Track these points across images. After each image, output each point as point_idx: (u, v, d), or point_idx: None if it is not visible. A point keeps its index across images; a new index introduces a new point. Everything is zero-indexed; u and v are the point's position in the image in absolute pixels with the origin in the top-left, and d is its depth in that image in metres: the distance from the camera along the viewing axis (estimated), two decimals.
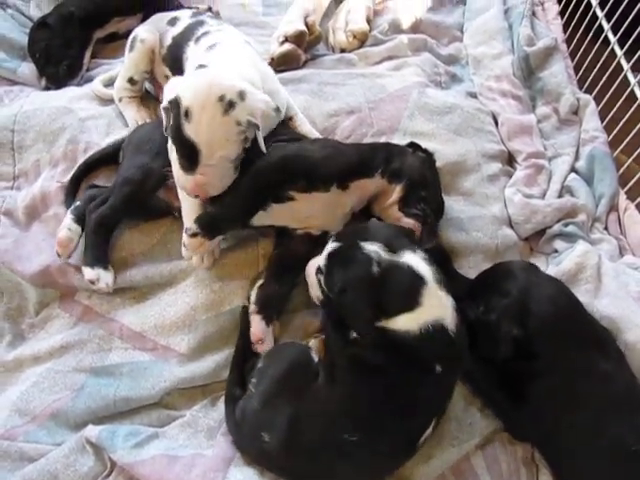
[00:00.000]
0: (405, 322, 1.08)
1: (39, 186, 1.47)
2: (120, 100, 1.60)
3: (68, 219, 1.35)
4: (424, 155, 1.44)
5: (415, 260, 1.11)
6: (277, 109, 1.31)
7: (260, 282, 1.32)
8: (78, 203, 1.38)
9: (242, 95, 1.21)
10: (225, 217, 1.28)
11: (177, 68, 1.48)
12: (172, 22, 1.57)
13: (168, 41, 1.54)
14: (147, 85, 1.68)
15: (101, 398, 1.24)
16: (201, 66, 1.28)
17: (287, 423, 1.05)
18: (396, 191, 1.37)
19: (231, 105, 1.19)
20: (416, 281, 1.09)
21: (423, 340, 1.07)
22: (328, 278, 1.15)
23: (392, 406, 1.07)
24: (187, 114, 1.18)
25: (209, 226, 1.26)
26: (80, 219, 1.35)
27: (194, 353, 1.28)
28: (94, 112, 1.60)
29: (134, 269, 1.38)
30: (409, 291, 1.09)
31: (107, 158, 1.48)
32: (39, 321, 1.38)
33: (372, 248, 1.11)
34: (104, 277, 1.32)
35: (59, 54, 1.73)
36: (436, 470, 1.18)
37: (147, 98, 1.67)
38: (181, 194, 1.32)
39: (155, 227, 1.42)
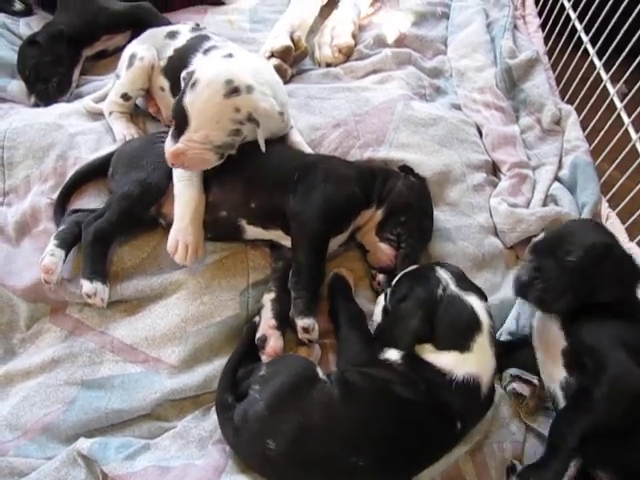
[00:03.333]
0: (450, 362, 1.10)
1: (29, 202, 1.48)
2: (110, 114, 1.62)
3: (51, 245, 1.33)
4: (415, 180, 1.45)
5: (479, 305, 1.15)
6: (281, 113, 1.36)
7: (272, 296, 1.33)
8: (62, 227, 1.37)
9: (249, 89, 1.27)
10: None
11: (178, 78, 1.50)
12: (172, 35, 1.61)
13: (169, 53, 1.58)
14: (139, 101, 1.70)
15: (93, 411, 1.24)
16: (228, 55, 1.36)
17: (296, 433, 1.05)
18: (377, 215, 1.40)
19: (235, 91, 1.25)
20: (473, 323, 1.13)
21: (458, 390, 1.09)
22: (396, 289, 1.21)
23: (405, 442, 1.08)
24: (194, 84, 1.25)
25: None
26: (64, 243, 1.34)
27: (185, 365, 1.29)
28: (83, 128, 1.61)
29: (125, 283, 1.38)
30: (464, 329, 1.12)
31: (94, 173, 1.49)
32: (30, 336, 1.38)
33: (444, 275, 1.18)
34: (101, 292, 1.32)
35: (48, 71, 1.75)
36: (426, 477, 1.18)
37: (136, 115, 1.69)
38: (177, 190, 1.35)
39: (145, 241, 1.43)
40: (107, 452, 1.15)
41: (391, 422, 1.08)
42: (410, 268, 1.27)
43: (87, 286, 1.31)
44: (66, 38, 1.77)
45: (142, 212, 1.39)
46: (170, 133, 1.29)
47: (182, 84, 1.30)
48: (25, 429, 1.24)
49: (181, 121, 1.25)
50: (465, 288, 1.17)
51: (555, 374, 1.24)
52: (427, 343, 1.13)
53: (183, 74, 1.30)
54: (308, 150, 1.54)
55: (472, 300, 1.15)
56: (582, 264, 1.19)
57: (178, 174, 1.36)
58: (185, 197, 1.34)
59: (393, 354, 1.15)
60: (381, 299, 1.27)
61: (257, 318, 1.32)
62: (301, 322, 1.27)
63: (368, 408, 1.09)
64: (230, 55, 1.39)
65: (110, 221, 1.35)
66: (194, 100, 1.24)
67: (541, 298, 1.22)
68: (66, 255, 1.34)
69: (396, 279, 1.25)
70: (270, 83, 1.38)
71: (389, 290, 1.25)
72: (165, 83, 1.58)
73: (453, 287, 1.16)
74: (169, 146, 1.27)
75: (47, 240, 1.41)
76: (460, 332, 1.12)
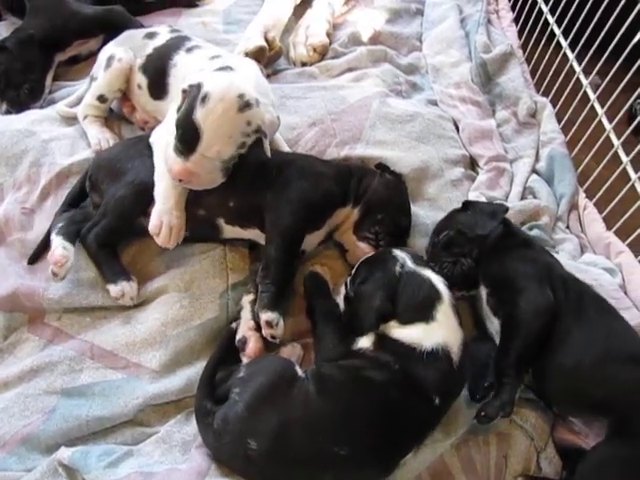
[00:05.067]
0: (418, 334, 1.13)
1: (3, 210, 1.46)
2: (84, 118, 1.60)
3: (58, 239, 1.32)
4: (391, 177, 1.45)
5: (437, 279, 1.21)
6: (278, 118, 1.36)
7: (251, 297, 1.32)
8: (60, 224, 1.35)
9: (257, 102, 1.27)
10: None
11: (159, 74, 1.51)
12: (150, 36, 1.60)
13: (148, 51, 1.56)
14: (112, 104, 1.67)
15: (73, 419, 1.22)
16: (228, 67, 1.33)
17: (276, 430, 1.05)
18: (353, 214, 1.40)
19: (247, 105, 1.24)
20: (433, 293, 1.18)
21: (429, 361, 1.11)
22: (355, 275, 1.25)
23: (385, 425, 1.09)
24: (204, 99, 1.22)
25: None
26: (70, 237, 1.33)
27: (166, 369, 1.27)
28: (57, 133, 1.60)
29: (106, 292, 1.35)
30: (425, 299, 1.17)
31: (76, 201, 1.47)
32: (7, 346, 1.35)
33: (401, 254, 1.24)
34: (128, 291, 1.32)
35: (20, 78, 1.72)
36: (412, 472, 1.19)
37: (111, 119, 1.67)
38: (159, 174, 1.34)
39: (125, 249, 1.42)
40: (89, 460, 1.13)
41: (368, 407, 1.09)
42: (366, 255, 1.30)
43: (114, 289, 1.32)
44: (37, 43, 1.76)
45: (139, 213, 1.37)
46: (174, 147, 1.26)
47: (181, 97, 1.27)
48: (4, 441, 1.21)
49: (191, 137, 1.22)
50: (421, 265, 1.24)
51: (492, 330, 1.31)
52: (392, 320, 1.16)
53: (185, 87, 1.26)
54: (286, 149, 1.55)
55: (429, 274, 1.22)
56: (452, 230, 1.37)
57: (160, 159, 1.34)
58: (169, 181, 1.32)
59: (364, 342, 1.17)
60: (342, 289, 1.29)
61: (234, 324, 1.31)
62: (265, 316, 1.25)
63: (343, 397, 1.09)
64: (230, 67, 1.35)
65: (109, 227, 1.35)
66: (207, 116, 1.21)
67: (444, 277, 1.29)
68: (74, 249, 1.33)
69: (355, 267, 1.28)
70: (266, 91, 1.39)
71: (349, 278, 1.27)
72: (143, 80, 1.56)
73: (410, 264, 1.22)
74: (176, 162, 1.25)
75: (22, 249, 1.42)
76: (422, 303, 1.17)
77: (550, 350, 1.21)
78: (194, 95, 1.23)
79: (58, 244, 1.31)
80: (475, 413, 1.20)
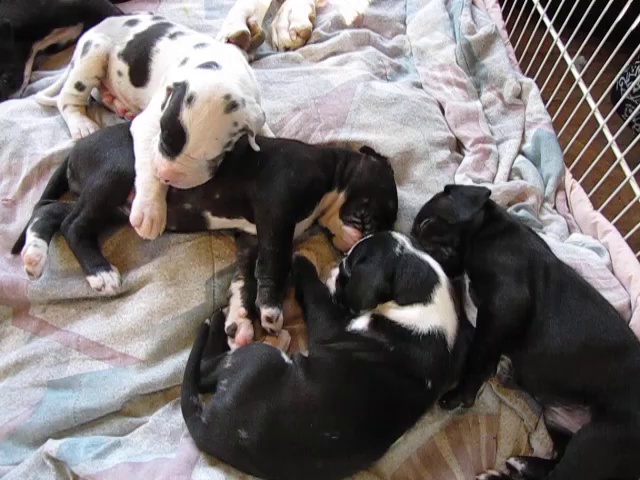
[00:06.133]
0: (414, 316, 1.13)
1: None
2: (64, 108, 1.58)
3: (31, 236, 1.30)
4: (376, 160, 1.44)
5: (433, 262, 1.23)
6: (264, 114, 1.34)
7: (240, 284, 1.32)
8: (36, 219, 1.34)
9: (244, 102, 1.24)
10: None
11: (140, 60, 1.49)
12: (131, 23, 1.58)
13: (128, 38, 1.53)
14: (93, 93, 1.66)
15: (60, 411, 1.21)
16: (213, 63, 1.29)
17: (266, 419, 1.05)
18: (339, 198, 1.39)
19: (234, 106, 1.22)
20: (431, 276, 1.18)
21: (425, 343, 1.11)
22: (352, 255, 1.25)
23: (376, 407, 1.09)
24: (190, 100, 1.19)
25: None
26: (44, 234, 1.31)
27: (153, 358, 1.27)
28: (37, 124, 1.58)
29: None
30: (424, 281, 1.17)
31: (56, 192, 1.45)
32: None
33: (400, 237, 1.26)
34: (109, 280, 1.31)
35: None
36: (403, 455, 1.19)
37: (91, 108, 1.65)
38: (140, 164, 1.32)
39: (109, 239, 1.41)
40: (76, 452, 1.12)
41: (359, 390, 1.09)
42: (364, 237, 1.31)
43: (93, 281, 1.31)
44: (13, 32, 1.72)
45: (118, 202, 1.35)
46: (159, 147, 1.25)
47: (165, 95, 1.25)
48: None
49: (177, 138, 1.21)
50: (419, 249, 1.25)
51: (473, 318, 1.31)
52: (389, 301, 1.16)
53: (170, 84, 1.24)
54: (271, 134, 1.53)
55: (427, 258, 1.22)
56: (432, 218, 1.37)
57: (140, 149, 1.33)
58: (150, 172, 1.30)
59: (359, 323, 1.17)
60: (334, 271, 1.29)
61: (207, 321, 1.31)
62: (265, 311, 1.25)
63: (333, 381, 1.09)
64: (215, 64, 1.30)
65: (88, 218, 1.33)
66: (194, 118, 1.19)
67: None
68: (47, 245, 1.32)
69: (352, 248, 1.27)
70: (252, 86, 1.36)
71: (344, 260, 1.27)
72: (123, 67, 1.53)
73: (409, 247, 1.23)
74: (162, 163, 1.24)
75: (5, 242, 1.40)
76: (420, 285, 1.17)
77: (530, 341, 1.22)
78: (179, 95, 1.21)
79: (30, 242, 1.29)
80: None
